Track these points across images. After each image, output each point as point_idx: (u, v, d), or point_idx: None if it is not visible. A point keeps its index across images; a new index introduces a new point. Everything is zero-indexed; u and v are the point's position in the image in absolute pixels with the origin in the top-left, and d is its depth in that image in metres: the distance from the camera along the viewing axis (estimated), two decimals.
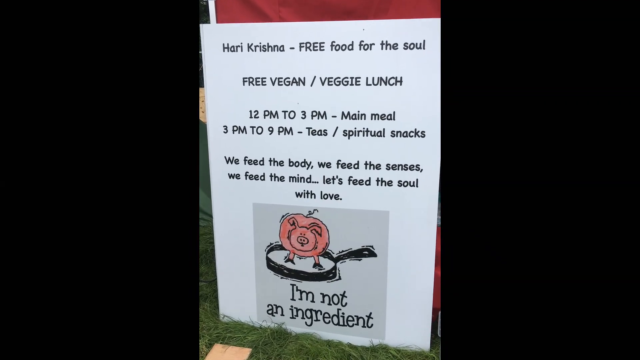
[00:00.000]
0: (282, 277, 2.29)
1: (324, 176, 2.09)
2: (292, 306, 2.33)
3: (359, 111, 1.97)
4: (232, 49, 2.02)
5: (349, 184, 2.07)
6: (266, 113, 2.06)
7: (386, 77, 1.91)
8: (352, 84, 1.94)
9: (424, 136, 1.94)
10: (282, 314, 2.35)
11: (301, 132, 2.05)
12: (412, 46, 1.85)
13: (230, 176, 2.20)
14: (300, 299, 2.30)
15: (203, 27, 2.03)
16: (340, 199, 2.10)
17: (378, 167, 2.02)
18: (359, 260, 2.17)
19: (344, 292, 2.23)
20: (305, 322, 2.34)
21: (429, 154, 1.95)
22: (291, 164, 2.10)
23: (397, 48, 1.87)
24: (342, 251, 2.18)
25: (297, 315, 2.34)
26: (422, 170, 1.98)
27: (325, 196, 2.11)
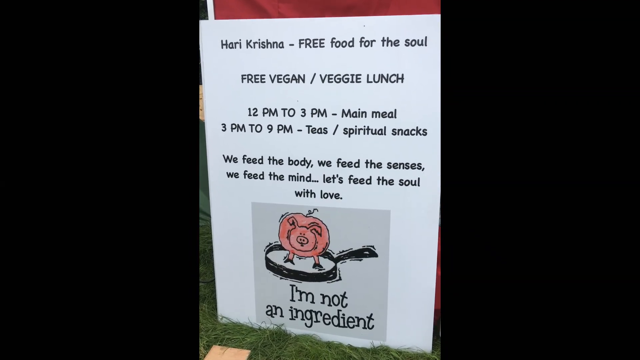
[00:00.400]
0: (281, 278, 2.32)
1: (324, 175, 2.11)
2: (291, 307, 2.35)
3: (359, 109, 1.99)
4: (231, 46, 2.03)
5: (350, 183, 2.09)
6: (265, 111, 2.08)
7: (387, 74, 1.93)
8: (352, 81, 1.96)
9: (425, 134, 1.96)
10: (282, 315, 2.38)
11: (301, 130, 2.07)
12: (413, 43, 1.87)
13: (229, 175, 2.22)
14: (300, 299, 2.32)
15: (201, 24, 2.04)
16: (341, 198, 2.12)
17: (379, 165, 2.04)
18: (360, 260, 2.19)
19: (345, 292, 2.25)
20: (305, 324, 2.36)
21: (430, 152, 1.97)
22: (291, 162, 2.12)
23: (398, 44, 1.88)
24: (343, 251, 2.20)
25: (296, 317, 2.36)
26: (423, 169, 2.00)
27: (325, 195, 2.13)
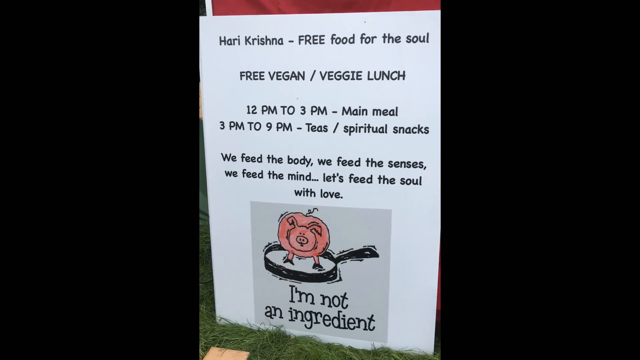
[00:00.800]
0: (280, 278, 2.34)
1: (324, 174, 2.13)
2: (291, 308, 2.38)
3: (360, 106, 2.01)
4: (229, 42, 2.05)
5: (350, 181, 2.11)
6: (264, 108, 2.10)
7: (388, 71, 1.94)
8: (353, 79, 1.98)
9: (427, 132, 1.98)
10: (281, 316, 2.40)
11: (300, 128, 2.09)
12: (415, 39, 1.89)
13: (227, 174, 2.24)
14: (300, 300, 2.34)
15: (199, 20, 2.06)
16: (341, 198, 2.14)
17: (380, 164, 2.06)
18: (361, 260, 2.21)
19: (345, 293, 2.27)
20: (305, 325, 2.38)
21: (432, 150, 1.99)
22: (290, 161, 2.14)
23: (399, 41, 1.90)
24: (343, 251, 2.22)
25: (296, 318, 2.38)
26: (425, 167, 2.02)
27: (326, 194, 2.16)
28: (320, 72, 2.00)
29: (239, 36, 2.04)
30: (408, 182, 2.05)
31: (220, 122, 2.17)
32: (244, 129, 2.15)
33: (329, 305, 2.31)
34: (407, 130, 1.99)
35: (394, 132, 2.01)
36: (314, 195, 2.17)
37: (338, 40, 1.95)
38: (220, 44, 2.06)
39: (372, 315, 2.27)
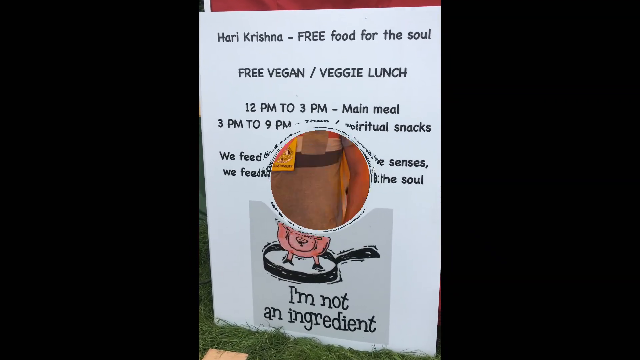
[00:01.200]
0: (280, 279, 2.36)
1: None
2: (290, 309, 2.39)
3: (361, 104, 2.03)
4: (228, 39, 2.07)
5: None
6: (263, 106, 2.12)
7: (390, 68, 1.96)
8: (353, 75, 2.00)
9: (429, 130, 1.99)
10: (280, 318, 2.42)
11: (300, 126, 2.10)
12: (417, 35, 1.90)
13: (226, 172, 2.25)
14: (299, 301, 2.36)
15: None
16: None
17: (381, 162, 2.08)
18: (361, 260, 2.23)
19: (345, 294, 2.29)
20: (305, 326, 2.40)
21: (434, 149, 2.01)
22: None
23: (401, 37, 1.92)
24: (343, 251, 2.24)
25: (295, 319, 2.40)
26: (427, 166, 2.03)
27: None
28: (320, 69, 2.02)
29: (237, 32, 2.05)
30: (410, 180, 2.07)
31: (219, 120, 2.19)
32: (242, 127, 2.17)
33: (329, 306, 2.33)
34: (409, 128, 2.01)
35: (395, 130, 2.02)
36: None
37: (338, 37, 1.97)
38: (219, 41, 2.08)
39: (373, 317, 2.29)
